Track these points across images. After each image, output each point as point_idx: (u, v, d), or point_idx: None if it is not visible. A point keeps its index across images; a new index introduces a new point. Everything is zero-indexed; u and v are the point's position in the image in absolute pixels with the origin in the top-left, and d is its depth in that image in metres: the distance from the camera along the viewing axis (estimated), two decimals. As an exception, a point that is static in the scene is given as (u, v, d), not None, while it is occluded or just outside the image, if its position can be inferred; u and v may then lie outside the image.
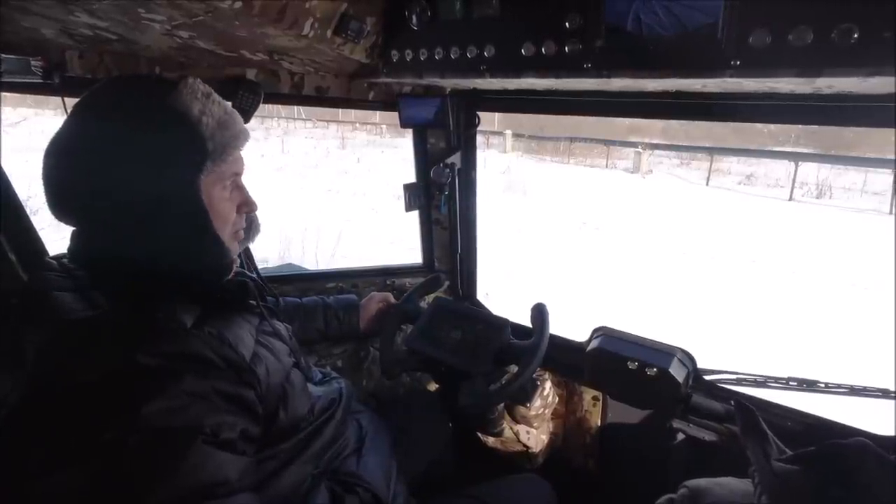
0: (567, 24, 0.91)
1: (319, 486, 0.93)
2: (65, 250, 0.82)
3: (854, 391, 1.19)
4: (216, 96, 0.83)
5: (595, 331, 1.44)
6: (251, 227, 0.97)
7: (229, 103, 0.86)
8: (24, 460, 0.59)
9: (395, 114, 1.52)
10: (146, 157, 0.73)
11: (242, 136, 0.85)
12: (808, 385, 1.23)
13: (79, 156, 0.73)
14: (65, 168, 0.73)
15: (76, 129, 0.75)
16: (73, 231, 0.79)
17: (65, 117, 0.77)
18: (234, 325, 0.81)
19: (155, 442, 0.60)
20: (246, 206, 0.88)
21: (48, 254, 1.37)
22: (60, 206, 0.75)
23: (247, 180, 0.91)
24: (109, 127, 0.73)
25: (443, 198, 1.72)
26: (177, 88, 0.77)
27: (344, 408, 1.04)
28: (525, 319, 1.32)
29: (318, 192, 9.86)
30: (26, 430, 0.62)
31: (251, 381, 0.75)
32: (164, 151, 0.74)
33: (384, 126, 21.90)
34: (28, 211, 1.30)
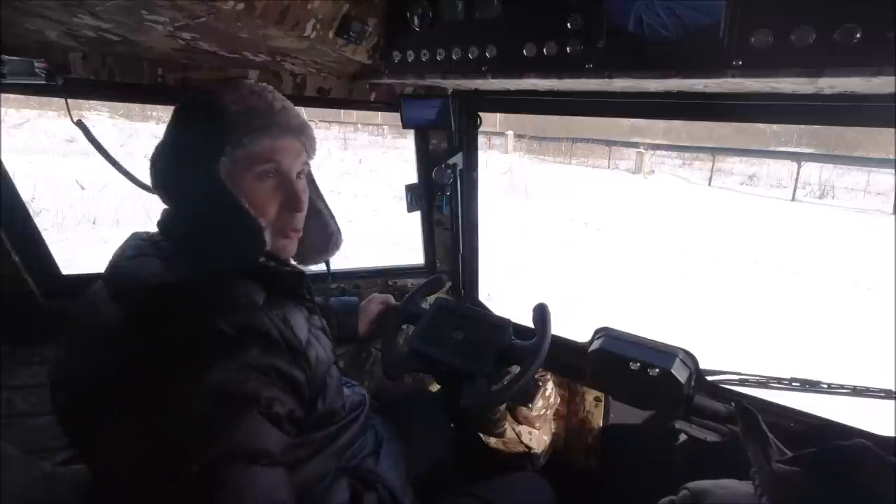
0: (569, 24, 0.91)
1: (341, 481, 0.97)
2: (69, 251, 0.84)
3: (857, 392, 1.19)
4: (269, 92, 0.88)
5: (597, 331, 1.44)
6: (330, 241, 1.08)
7: (286, 103, 0.90)
8: (102, 407, 0.66)
9: (397, 114, 1.53)
10: (183, 142, 0.84)
11: (276, 127, 0.86)
12: (810, 386, 1.23)
13: (160, 143, 0.87)
14: (154, 153, 0.86)
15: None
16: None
17: (68, 119, 0.80)
18: (292, 312, 0.86)
19: (216, 404, 0.65)
20: (290, 203, 0.89)
21: (51, 254, 1.38)
22: (152, 181, 0.87)
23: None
24: (173, 121, 0.86)
25: (444, 198, 1.72)
26: (227, 85, 0.87)
27: (367, 413, 1.10)
28: (527, 320, 1.32)
29: (320, 192, 9.84)
30: (108, 378, 0.67)
31: (303, 364, 0.80)
32: (195, 134, 0.83)
33: (386, 127, 21.92)
34: (31, 212, 1.31)
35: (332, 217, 1.11)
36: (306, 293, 0.94)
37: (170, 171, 0.84)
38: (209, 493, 0.62)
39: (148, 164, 0.87)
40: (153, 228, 0.90)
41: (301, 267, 1.01)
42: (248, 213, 0.81)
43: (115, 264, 0.82)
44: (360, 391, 1.15)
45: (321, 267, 1.16)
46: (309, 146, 0.94)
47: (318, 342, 0.90)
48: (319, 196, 1.09)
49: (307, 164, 0.94)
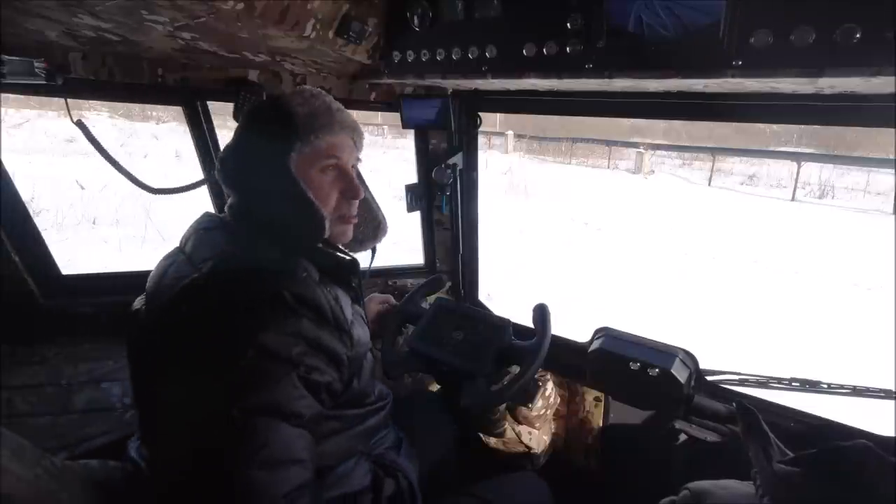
0: (569, 24, 0.91)
1: (364, 464, 1.02)
2: (69, 251, 0.87)
3: (857, 392, 1.19)
4: (325, 96, 0.97)
5: (597, 331, 1.44)
6: (378, 228, 1.20)
7: (340, 105, 0.98)
8: (169, 351, 0.75)
9: (397, 114, 1.53)
10: (259, 139, 0.93)
11: (336, 126, 0.95)
12: (810, 386, 1.23)
13: (231, 144, 0.97)
14: (224, 153, 0.96)
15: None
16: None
17: (68, 119, 0.81)
18: (341, 294, 0.95)
19: (264, 360, 0.73)
20: (349, 192, 0.98)
21: (51, 255, 1.38)
22: (222, 177, 0.96)
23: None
24: (243, 124, 0.97)
25: (444, 198, 1.72)
26: (290, 93, 0.96)
27: (390, 407, 1.16)
28: (527, 320, 1.32)
29: (320, 192, 9.81)
30: (177, 327, 0.77)
31: (347, 341, 0.87)
32: (266, 134, 0.92)
33: (386, 127, 21.90)
34: (31, 212, 1.31)
35: (378, 207, 1.21)
36: (354, 281, 1.02)
37: (243, 167, 0.93)
38: (241, 437, 0.69)
39: (218, 163, 0.96)
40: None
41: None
42: (312, 203, 0.90)
43: (190, 234, 0.92)
44: (386, 388, 1.20)
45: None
46: (359, 141, 1.02)
47: (360, 326, 0.98)
48: (366, 188, 1.16)
49: (358, 158, 1.03)
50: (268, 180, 0.91)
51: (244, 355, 0.72)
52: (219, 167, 0.96)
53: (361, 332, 0.96)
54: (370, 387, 1.03)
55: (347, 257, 1.02)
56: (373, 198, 1.19)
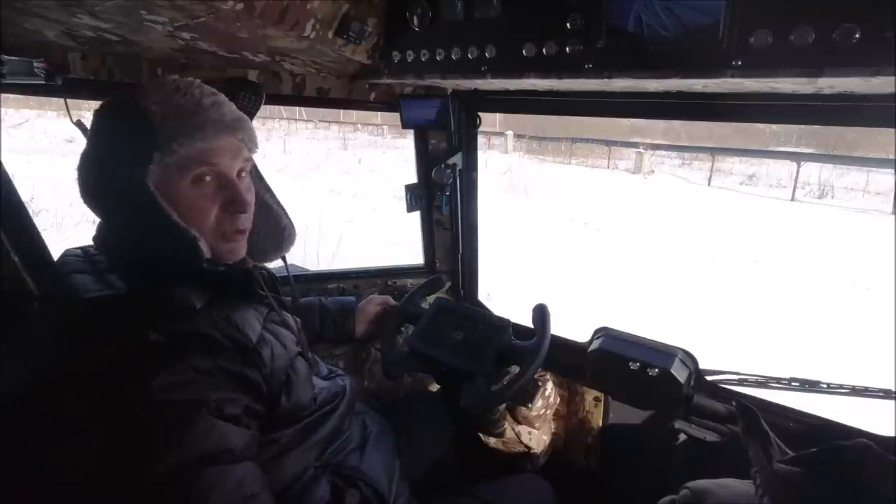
0: (568, 24, 0.91)
1: (321, 479, 0.95)
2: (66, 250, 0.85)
3: (856, 392, 1.19)
4: (195, 88, 0.81)
5: (596, 331, 1.44)
6: (283, 236, 1.02)
7: (217, 97, 0.84)
8: (40, 429, 0.66)
9: (397, 114, 1.52)
10: (105, 150, 0.79)
11: (209, 127, 0.79)
12: (810, 385, 1.23)
13: (83, 151, 0.81)
14: (79, 162, 0.81)
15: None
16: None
17: (67, 119, 0.79)
18: (241, 310, 0.84)
19: (161, 413, 0.65)
20: (232, 206, 0.83)
21: (51, 255, 1.38)
22: (79, 193, 0.81)
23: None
24: (93, 128, 0.81)
25: (444, 198, 1.72)
26: (151, 84, 0.82)
27: (347, 403, 1.06)
28: (527, 320, 1.32)
29: (320, 192, 9.89)
30: (43, 400, 0.67)
31: (256, 361, 0.79)
32: (115, 143, 0.78)
33: (385, 127, 21.92)
34: (31, 212, 1.30)
35: (284, 211, 1.05)
36: (258, 290, 0.91)
37: (95, 182, 0.79)
38: (171, 502, 0.62)
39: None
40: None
41: (269, 266, 1.02)
42: (178, 226, 0.76)
43: (49, 283, 0.82)
44: (342, 381, 1.10)
45: (325, 267, 1.15)
46: (249, 141, 0.88)
47: (277, 337, 0.88)
48: (268, 190, 1.03)
49: (249, 160, 0.88)
50: (124, 199, 0.76)
51: (132, 418, 0.63)
52: (77, 180, 0.81)
53: (277, 345, 0.86)
54: (305, 397, 0.92)
55: (239, 269, 0.89)
56: (275, 200, 1.03)
